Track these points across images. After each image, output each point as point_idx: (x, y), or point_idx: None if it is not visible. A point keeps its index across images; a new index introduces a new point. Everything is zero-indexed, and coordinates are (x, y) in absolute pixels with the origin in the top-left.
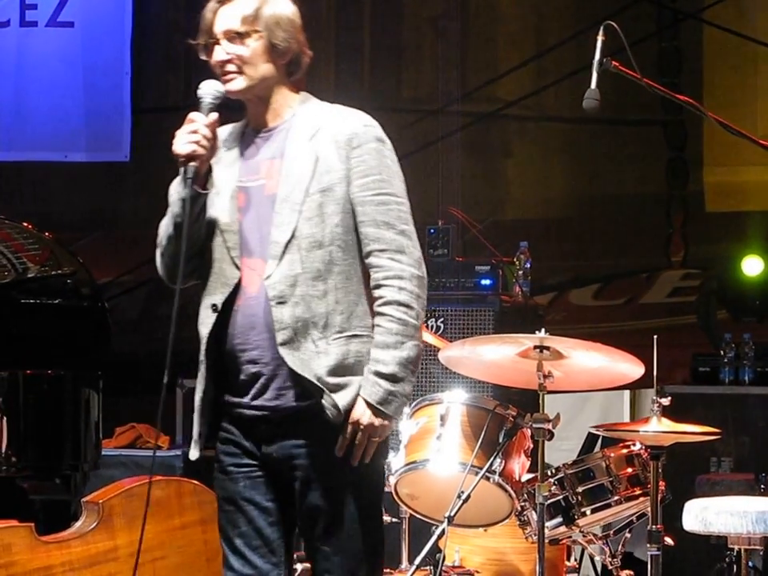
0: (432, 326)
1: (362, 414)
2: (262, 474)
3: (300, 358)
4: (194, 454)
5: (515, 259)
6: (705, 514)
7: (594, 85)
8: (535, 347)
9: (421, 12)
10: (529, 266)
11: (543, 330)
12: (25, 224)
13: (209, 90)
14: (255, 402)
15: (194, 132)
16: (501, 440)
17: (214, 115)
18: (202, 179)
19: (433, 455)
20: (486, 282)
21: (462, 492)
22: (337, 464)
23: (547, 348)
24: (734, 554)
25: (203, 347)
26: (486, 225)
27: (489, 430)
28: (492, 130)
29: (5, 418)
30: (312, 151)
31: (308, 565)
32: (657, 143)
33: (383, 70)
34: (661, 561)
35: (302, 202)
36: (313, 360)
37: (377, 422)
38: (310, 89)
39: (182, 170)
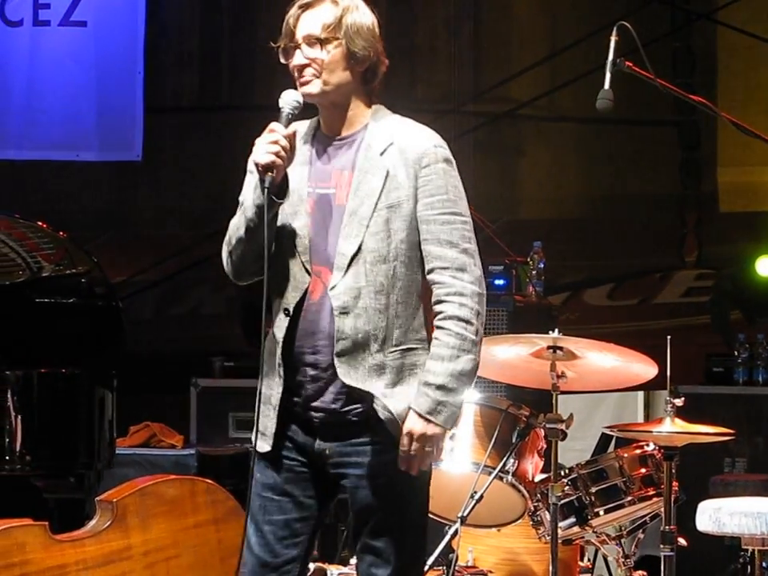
0: None
1: (413, 425)
2: (306, 471)
3: (354, 368)
4: (264, 446)
5: (529, 259)
6: (718, 515)
7: (607, 85)
8: (549, 347)
9: (435, 12)
10: (542, 265)
11: (557, 330)
12: (39, 223)
13: (289, 100)
14: (313, 404)
15: (275, 143)
16: (514, 440)
17: (294, 127)
18: (276, 187)
19: (446, 455)
20: (499, 281)
21: (475, 492)
22: (388, 464)
23: (560, 348)
24: (748, 555)
25: (279, 350)
26: (500, 224)
27: (502, 429)
28: (505, 130)
29: (19, 417)
30: (383, 167)
31: (320, 564)
32: (670, 143)
33: (397, 70)
34: (674, 561)
35: (370, 216)
36: (369, 372)
37: (428, 431)
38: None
39: (258, 178)
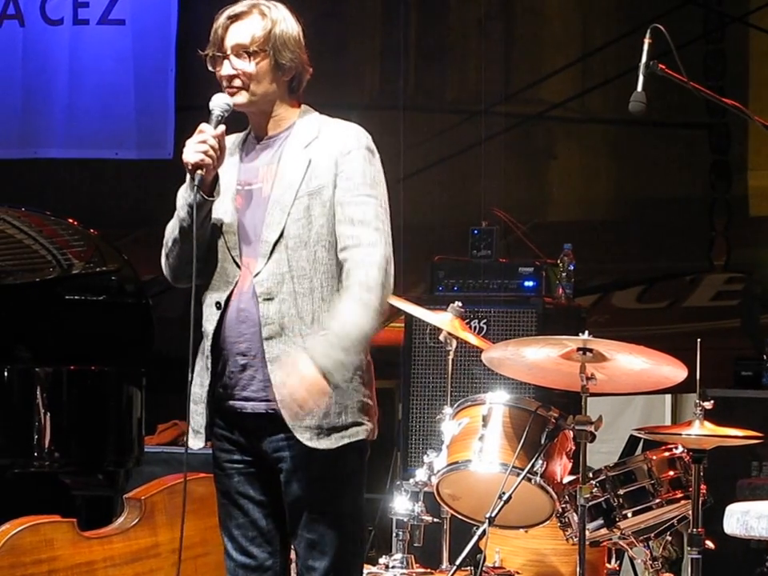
0: (475, 327)
1: (309, 371)
2: (254, 469)
3: (286, 352)
4: (198, 444)
5: (559, 261)
6: (746, 518)
7: (640, 87)
8: (578, 349)
9: (465, 13)
10: (573, 268)
11: (587, 332)
12: (70, 220)
13: (219, 102)
14: (244, 393)
15: (203, 142)
16: (543, 441)
17: (222, 127)
18: (208, 186)
19: (475, 456)
20: (529, 283)
21: (504, 493)
22: (320, 456)
23: (590, 350)
24: None
25: (208, 343)
26: (530, 226)
27: (531, 431)
28: (536, 132)
29: (48, 414)
30: (306, 158)
31: None
32: (700, 146)
33: (427, 71)
34: (701, 564)
35: (291, 203)
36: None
37: (320, 385)
38: (353, 89)
39: (189, 177)
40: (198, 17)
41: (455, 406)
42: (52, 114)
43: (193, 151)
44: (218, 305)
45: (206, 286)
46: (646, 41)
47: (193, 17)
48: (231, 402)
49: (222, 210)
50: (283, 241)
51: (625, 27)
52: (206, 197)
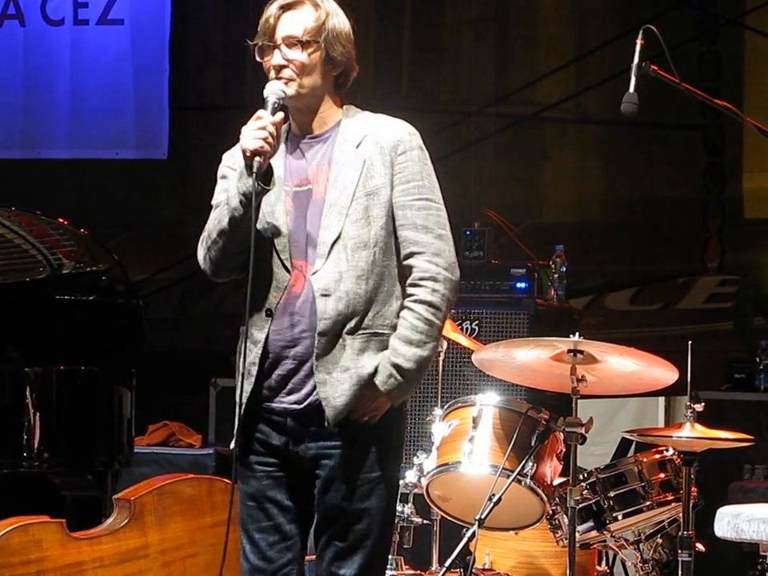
0: (466, 329)
1: (373, 401)
2: (284, 474)
3: (332, 354)
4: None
5: (551, 262)
6: (737, 521)
7: (632, 89)
8: (569, 351)
9: (460, 14)
10: (565, 269)
11: (577, 333)
12: (60, 220)
13: (274, 89)
14: (292, 397)
15: (262, 129)
16: (533, 443)
17: (281, 114)
18: (261, 176)
19: (465, 457)
20: (521, 285)
21: (494, 495)
22: (363, 465)
23: (581, 352)
24: (766, 561)
25: (258, 350)
26: (523, 228)
27: (521, 432)
28: (530, 133)
29: (38, 414)
30: (359, 158)
31: None
32: (695, 147)
33: (422, 72)
34: (692, 567)
35: (349, 205)
36: (337, 353)
37: (384, 407)
38: (348, 88)
39: (245, 165)
40: (192, 18)
41: (445, 407)
42: (54, 114)
43: (252, 138)
44: (268, 312)
45: (252, 288)
46: (638, 42)
47: (187, 18)
48: (275, 405)
49: (269, 209)
50: (341, 241)
51: (620, 28)
52: (264, 186)
